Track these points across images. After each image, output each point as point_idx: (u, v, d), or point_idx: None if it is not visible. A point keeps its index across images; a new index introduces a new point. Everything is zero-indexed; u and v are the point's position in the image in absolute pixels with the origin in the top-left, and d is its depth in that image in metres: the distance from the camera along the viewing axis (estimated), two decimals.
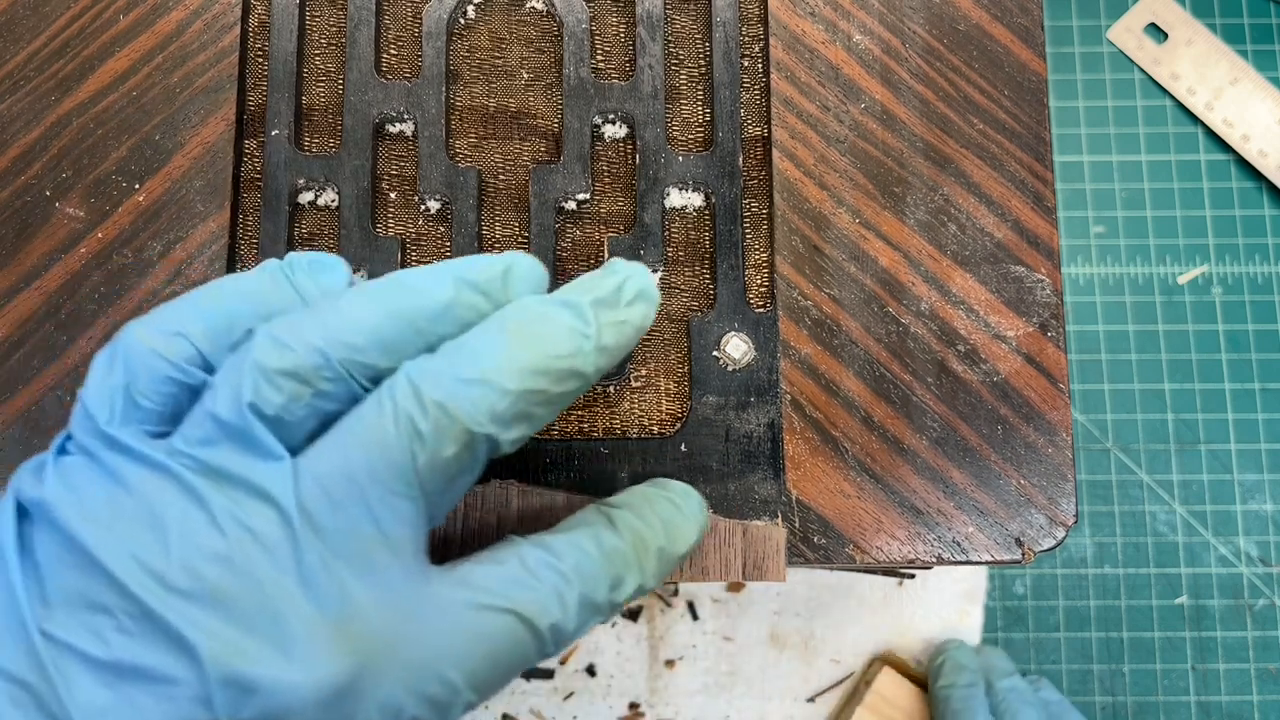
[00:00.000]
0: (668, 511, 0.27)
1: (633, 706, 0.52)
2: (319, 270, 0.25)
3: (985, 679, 0.50)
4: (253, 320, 0.24)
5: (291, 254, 0.25)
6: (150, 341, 0.23)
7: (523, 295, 0.25)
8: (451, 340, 0.23)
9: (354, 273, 0.33)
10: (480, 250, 0.33)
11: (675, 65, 0.35)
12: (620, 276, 0.25)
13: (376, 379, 0.23)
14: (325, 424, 0.23)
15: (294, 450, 0.22)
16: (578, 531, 0.25)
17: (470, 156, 0.34)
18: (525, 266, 0.25)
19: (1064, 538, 0.32)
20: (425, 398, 0.22)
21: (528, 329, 0.23)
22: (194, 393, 0.23)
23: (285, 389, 0.22)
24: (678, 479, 0.31)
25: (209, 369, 0.23)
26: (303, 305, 0.24)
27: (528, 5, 0.35)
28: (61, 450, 0.23)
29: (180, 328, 0.23)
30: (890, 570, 0.51)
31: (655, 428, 0.32)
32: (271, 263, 0.25)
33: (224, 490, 0.22)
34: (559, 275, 0.33)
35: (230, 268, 0.33)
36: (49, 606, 0.21)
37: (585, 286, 0.25)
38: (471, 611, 0.23)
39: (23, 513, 0.22)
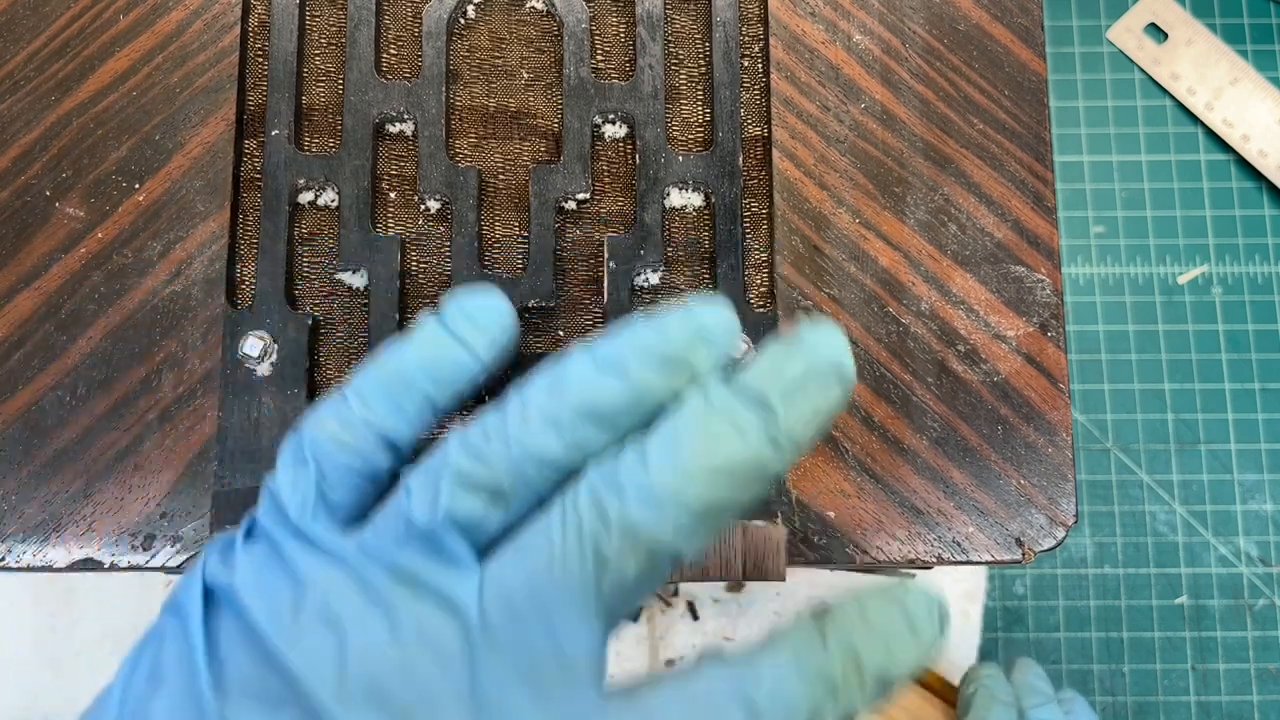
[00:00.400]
0: (895, 624, 0.22)
1: None
2: (478, 316, 0.25)
3: (1017, 707, 0.48)
4: (426, 384, 0.24)
5: (447, 301, 0.25)
6: (337, 434, 0.23)
7: (714, 358, 0.23)
8: (636, 442, 0.22)
9: (355, 273, 0.33)
10: (480, 250, 0.33)
11: (675, 65, 0.35)
12: (809, 356, 0.22)
13: (564, 470, 0.23)
14: (511, 525, 0.23)
15: (477, 551, 0.22)
16: (781, 648, 0.22)
17: (470, 156, 0.34)
18: (717, 325, 0.23)
19: (1064, 538, 0.32)
20: (610, 517, 0.21)
21: (712, 435, 0.22)
22: (377, 480, 0.24)
23: (481, 499, 0.22)
24: None
25: (393, 448, 0.24)
26: (470, 357, 0.24)
27: (528, 5, 0.35)
28: (249, 534, 0.23)
29: (364, 415, 0.23)
30: (890, 570, 0.51)
31: None
32: (429, 321, 0.25)
33: (409, 594, 0.22)
34: (559, 275, 0.33)
35: (230, 267, 0.32)
36: (225, 694, 0.21)
37: (771, 370, 0.22)
38: None
39: (208, 593, 0.23)
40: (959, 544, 0.32)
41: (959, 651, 0.54)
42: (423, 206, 0.33)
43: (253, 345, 0.32)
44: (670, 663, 0.53)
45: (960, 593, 0.54)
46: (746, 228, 0.34)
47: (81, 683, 0.51)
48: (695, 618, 0.53)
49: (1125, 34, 0.58)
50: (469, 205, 0.33)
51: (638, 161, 0.33)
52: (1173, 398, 0.55)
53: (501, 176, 0.34)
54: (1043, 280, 0.33)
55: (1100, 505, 0.55)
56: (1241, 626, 0.54)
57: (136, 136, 0.33)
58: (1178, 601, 0.54)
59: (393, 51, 0.35)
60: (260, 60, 0.34)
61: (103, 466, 0.31)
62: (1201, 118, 0.57)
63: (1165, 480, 0.55)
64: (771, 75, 0.34)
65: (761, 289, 0.33)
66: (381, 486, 0.24)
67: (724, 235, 0.33)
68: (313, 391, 0.32)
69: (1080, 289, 0.56)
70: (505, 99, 0.34)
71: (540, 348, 0.33)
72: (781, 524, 0.31)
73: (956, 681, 0.52)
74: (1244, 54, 0.58)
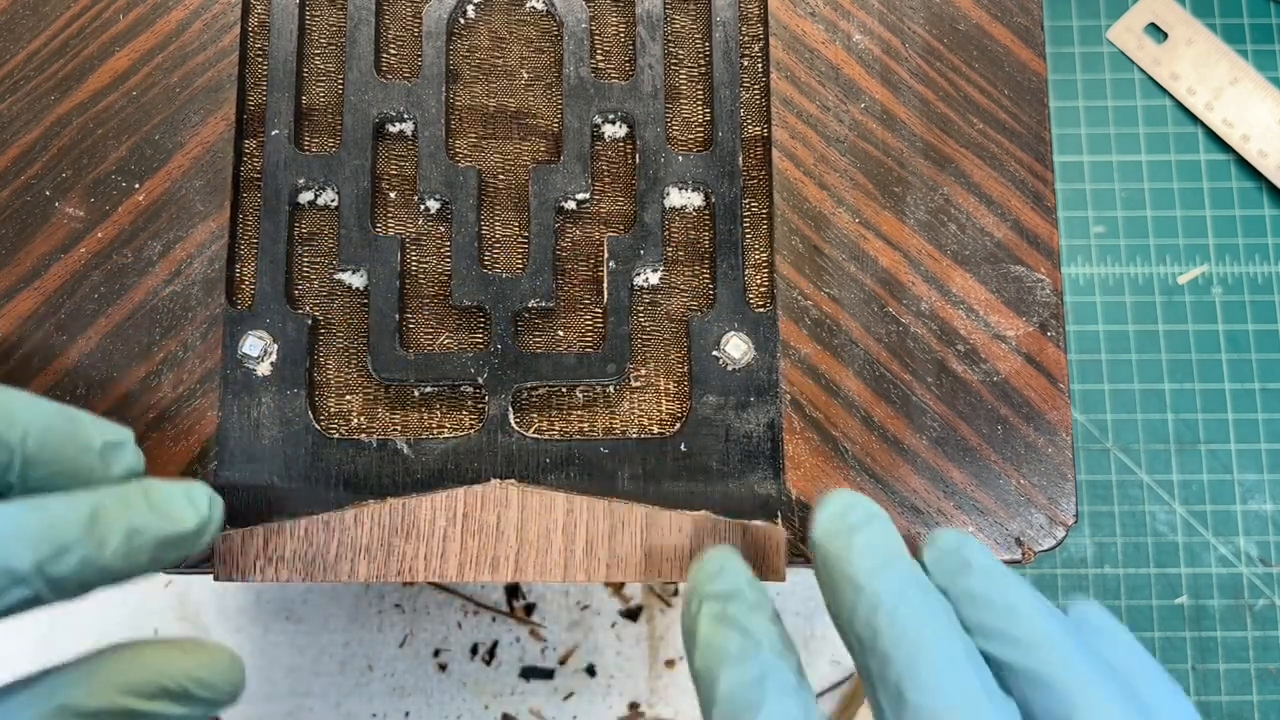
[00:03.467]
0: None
1: (633, 706, 0.52)
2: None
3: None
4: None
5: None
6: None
7: None
8: None
9: (355, 273, 0.33)
10: (480, 250, 0.33)
11: (675, 65, 0.35)
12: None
13: None
14: None
15: None
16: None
17: (470, 156, 0.34)
18: None
19: (1064, 538, 0.32)
20: None
21: None
22: None
23: None
24: (677, 479, 0.31)
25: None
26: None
27: (528, 5, 0.35)
28: None
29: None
30: None
31: (655, 428, 0.32)
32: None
33: None
34: (559, 275, 0.33)
35: (230, 267, 0.32)
36: None
37: None
38: None
39: None
40: None
41: None
42: (423, 206, 0.33)
43: (252, 345, 0.32)
44: (670, 663, 0.53)
45: None
46: (746, 228, 0.34)
47: None
48: None
49: (1125, 34, 0.58)
50: (469, 205, 0.33)
51: (638, 161, 0.33)
52: (1173, 398, 0.55)
53: (501, 176, 0.34)
54: (1043, 280, 0.33)
55: (1100, 505, 0.55)
56: (1241, 626, 0.54)
57: (136, 136, 0.33)
58: (1178, 601, 0.54)
59: (393, 51, 0.35)
60: (260, 60, 0.34)
61: None
62: (1201, 118, 0.57)
63: (1165, 480, 0.55)
64: (771, 75, 0.34)
65: (761, 289, 0.33)
66: None
67: (724, 235, 0.33)
68: (312, 391, 0.32)
69: (1080, 289, 0.56)
70: (505, 99, 0.34)
71: (540, 347, 0.33)
72: (781, 524, 0.31)
73: None
74: (1244, 54, 0.58)
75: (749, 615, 0.25)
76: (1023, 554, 0.31)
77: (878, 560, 0.25)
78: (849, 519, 0.26)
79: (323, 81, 0.34)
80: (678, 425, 0.32)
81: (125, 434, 0.28)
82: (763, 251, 0.33)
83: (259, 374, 0.32)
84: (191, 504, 0.27)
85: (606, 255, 0.33)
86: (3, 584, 0.23)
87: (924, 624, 0.24)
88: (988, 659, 0.24)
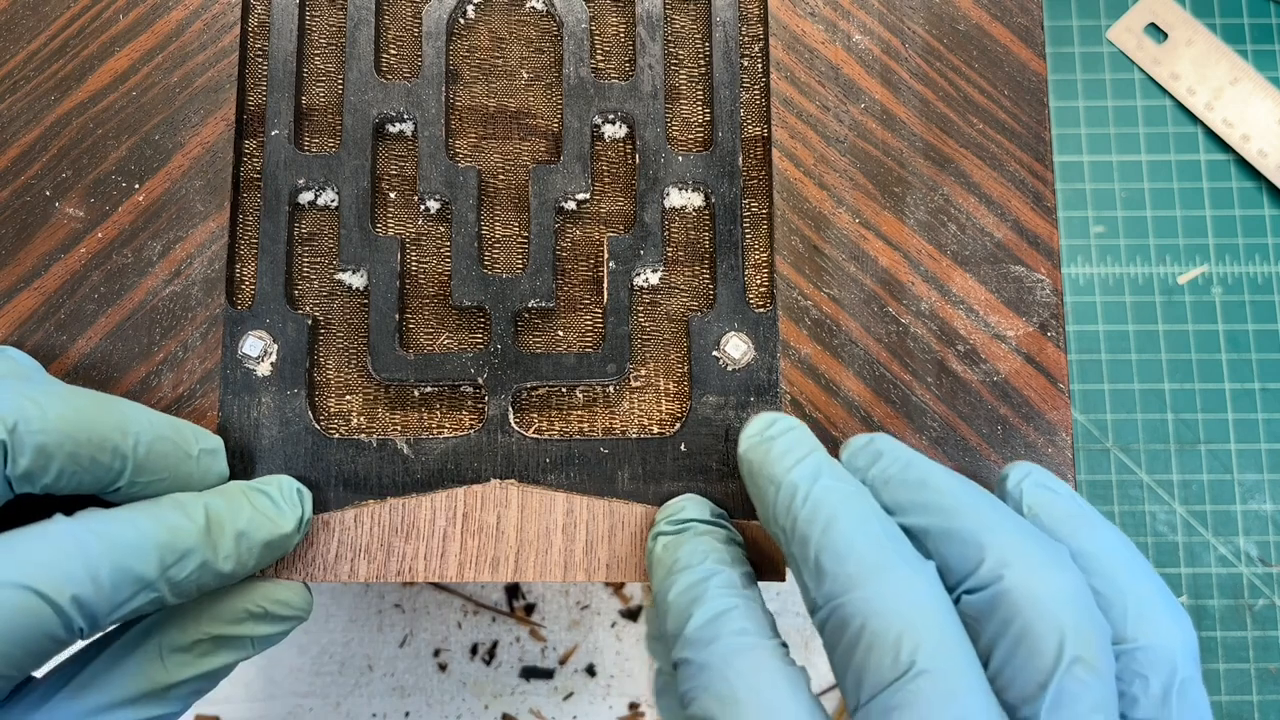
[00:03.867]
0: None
1: (632, 707, 0.52)
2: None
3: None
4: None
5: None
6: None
7: None
8: None
9: (355, 273, 0.33)
10: (480, 250, 0.33)
11: (675, 65, 0.35)
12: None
13: None
14: None
15: None
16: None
17: (470, 156, 0.34)
18: None
19: None
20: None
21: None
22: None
23: None
24: (677, 479, 0.31)
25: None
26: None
27: (528, 5, 0.35)
28: None
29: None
30: None
31: (655, 427, 0.32)
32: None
33: None
34: (559, 275, 0.33)
35: (230, 267, 0.32)
36: None
37: None
38: None
39: None
40: None
41: None
42: (423, 206, 0.33)
43: (252, 345, 0.32)
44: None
45: None
46: (746, 228, 0.34)
47: None
48: None
49: (1125, 34, 0.58)
50: (469, 205, 0.33)
51: (638, 161, 0.33)
52: (1173, 398, 0.55)
53: (501, 176, 0.34)
54: (1042, 280, 0.33)
55: (1100, 505, 0.55)
56: (1241, 626, 0.54)
57: (136, 136, 0.33)
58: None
59: (393, 51, 0.35)
60: (260, 60, 0.34)
61: None
62: (1201, 118, 0.57)
63: (1165, 480, 0.55)
64: (771, 75, 0.34)
65: (761, 289, 0.33)
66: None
67: (724, 235, 0.33)
68: (312, 391, 0.32)
69: (1080, 289, 0.56)
70: (505, 99, 0.34)
71: (540, 348, 0.33)
72: None
73: None
74: (1244, 54, 0.58)
75: (697, 538, 0.28)
76: None
77: (794, 458, 0.27)
78: (769, 432, 0.28)
79: (323, 81, 0.34)
80: (678, 425, 0.32)
81: (218, 441, 0.30)
82: (763, 251, 0.33)
83: (259, 374, 0.32)
84: (287, 502, 0.29)
85: (606, 255, 0.33)
86: (135, 590, 0.25)
87: (836, 500, 0.25)
88: (909, 533, 0.26)
